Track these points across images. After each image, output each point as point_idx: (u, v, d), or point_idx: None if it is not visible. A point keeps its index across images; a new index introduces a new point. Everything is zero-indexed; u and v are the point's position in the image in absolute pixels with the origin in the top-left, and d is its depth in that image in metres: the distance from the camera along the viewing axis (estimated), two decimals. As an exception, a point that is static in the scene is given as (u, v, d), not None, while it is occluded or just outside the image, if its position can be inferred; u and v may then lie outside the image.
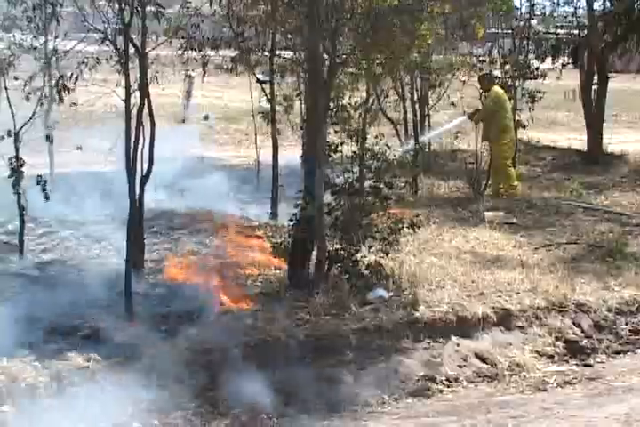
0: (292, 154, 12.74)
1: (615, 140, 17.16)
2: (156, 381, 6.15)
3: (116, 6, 7.25)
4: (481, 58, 14.99)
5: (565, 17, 17.67)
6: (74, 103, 7.88)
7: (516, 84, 14.22)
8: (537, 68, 14.72)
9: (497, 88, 13.23)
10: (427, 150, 14.66)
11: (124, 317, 7.06)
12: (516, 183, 13.15)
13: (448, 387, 6.88)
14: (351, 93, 9.88)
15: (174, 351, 6.51)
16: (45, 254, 8.95)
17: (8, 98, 8.45)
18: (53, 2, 7.84)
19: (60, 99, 7.86)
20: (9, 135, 8.20)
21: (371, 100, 10.58)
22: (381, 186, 8.30)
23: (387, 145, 8.51)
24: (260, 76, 11.75)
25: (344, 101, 8.94)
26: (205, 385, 6.29)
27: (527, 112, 14.68)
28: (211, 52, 10.63)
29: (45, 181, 8.34)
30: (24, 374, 5.88)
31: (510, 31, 15.09)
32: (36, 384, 5.82)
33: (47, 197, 8.40)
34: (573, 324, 7.96)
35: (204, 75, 11.05)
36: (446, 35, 11.97)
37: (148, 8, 7.31)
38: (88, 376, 6.03)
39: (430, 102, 14.85)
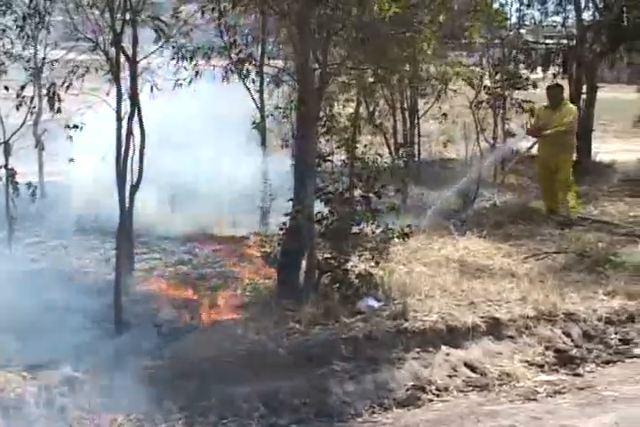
0: (282, 162, 12.73)
1: (604, 149, 17.19)
2: (144, 392, 6.12)
3: (108, 15, 7.26)
4: (471, 67, 14.99)
5: (555, 27, 17.74)
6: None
7: (506, 93, 14.23)
8: (527, 78, 14.74)
9: (568, 102, 12.93)
10: (415, 159, 14.63)
11: (113, 327, 7.04)
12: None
13: (438, 397, 6.87)
14: (343, 103, 9.88)
15: (163, 362, 6.49)
16: (34, 264, 8.91)
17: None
18: (41, 11, 7.81)
19: (52, 107, 7.84)
20: (-2, 145, 8.17)
21: (361, 109, 10.58)
22: (371, 195, 8.30)
23: (378, 154, 8.51)
24: (252, 86, 11.72)
25: (335, 110, 8.95)
26: (195, 396, 6.27)
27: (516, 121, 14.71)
28: (202, 62, 10.59)
29: (35, 188, 8.31)
30: (12, 385, 5.84)
31: (500, 41, 15.11)
32: (24, 395, 5.78)
33: (34, 201, 8.33)
34: (563, 333, 7.96)
35: (189, 82, 10.91)
36: (438, 44, 11.97)
37: (142, 17, 7.32)
38: (76, 387, 6.00)
39: (420, 111, 14.86)
